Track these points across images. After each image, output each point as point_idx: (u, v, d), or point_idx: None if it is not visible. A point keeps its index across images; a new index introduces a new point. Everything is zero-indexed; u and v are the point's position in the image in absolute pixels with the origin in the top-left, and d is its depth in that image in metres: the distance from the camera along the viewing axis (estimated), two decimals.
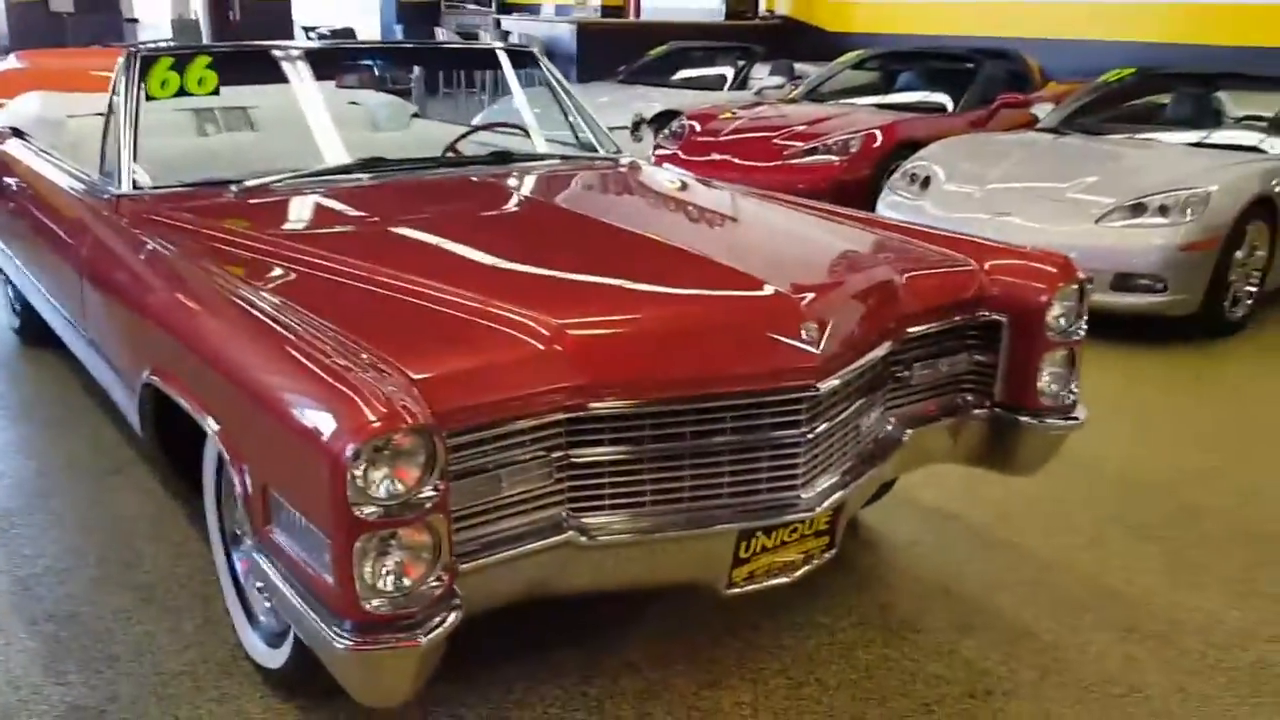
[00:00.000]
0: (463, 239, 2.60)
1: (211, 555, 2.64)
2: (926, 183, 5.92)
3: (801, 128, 7.47)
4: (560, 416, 1.99)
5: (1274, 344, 5.35)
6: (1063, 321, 2.63)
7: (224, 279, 2.34)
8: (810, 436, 2.19)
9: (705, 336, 2.13)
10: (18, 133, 4.33)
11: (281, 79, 3.44)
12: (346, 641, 1.77)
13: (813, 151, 7.23)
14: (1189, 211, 5.04)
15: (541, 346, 2.01)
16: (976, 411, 2.71)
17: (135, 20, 15.76)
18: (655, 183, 3.44)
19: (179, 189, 3.04)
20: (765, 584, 2.28)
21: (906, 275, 2.53)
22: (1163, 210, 5.09)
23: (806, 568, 2.32)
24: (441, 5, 18.47)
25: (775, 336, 2.14)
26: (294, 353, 1.90)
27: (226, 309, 2.18)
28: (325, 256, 2.42)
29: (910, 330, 2.51)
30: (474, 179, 3.27)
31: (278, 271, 2.39)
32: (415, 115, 5.17)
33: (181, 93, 3.25)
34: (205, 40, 13.69)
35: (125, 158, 3.06)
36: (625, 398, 2.04)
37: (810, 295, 2.22)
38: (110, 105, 3.22)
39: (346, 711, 2.33)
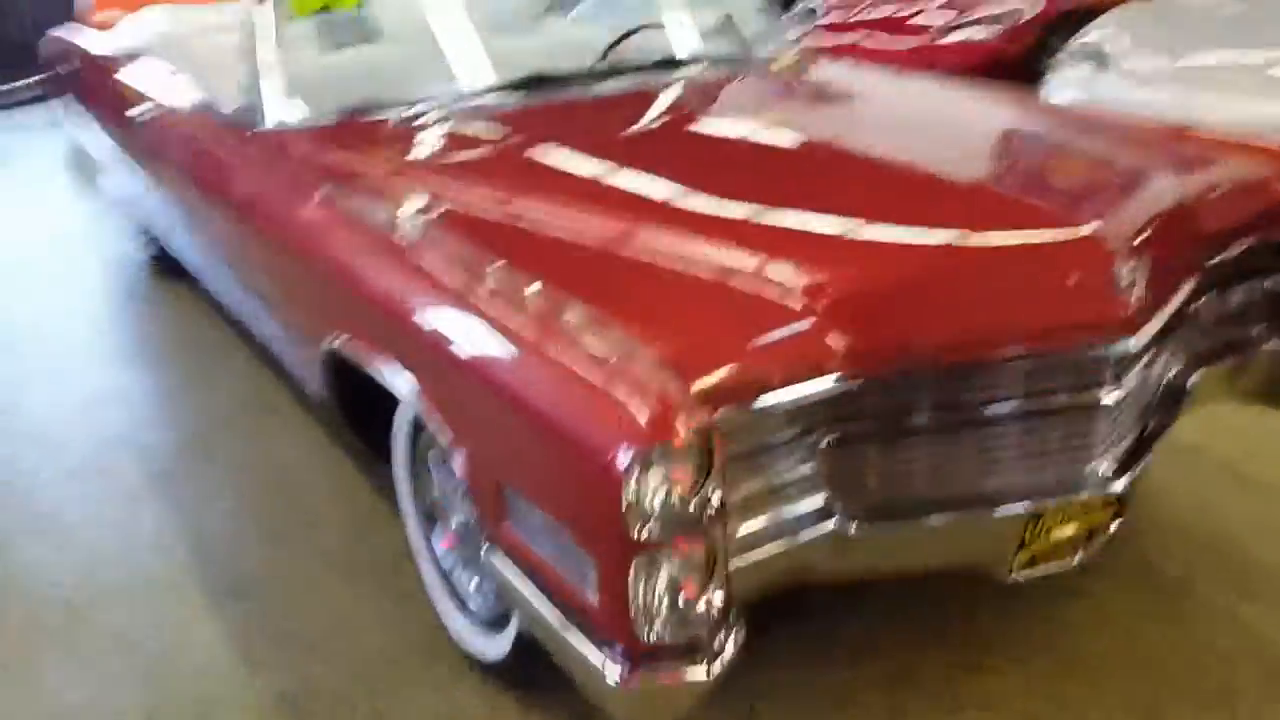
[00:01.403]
0: (674, 176, 2.24)
1: (399, 528, 2.43)
2: (1104, 60, 5.32)
3: (943, 1, 6.84)
4: (824, 391, 1.67)
5: None
6: None
7: (428, 241, 2.03)
8: (1117, 399, 1.84)
9: (991, 287, 1.78)
10: (143, 53, 4.07)
11: None
12: (618, 673, 1.51)
13: (961, 26, 6.61)
14: None
15: (800, 312, 1.69)
16: (1270, 344, 2.32)
17: None
18: (858, 85, 3.01)
19: (328, 122, 2.72)
20: (1050, 568, 1.97)
21: (1202, 192, 2.12)
22: None
23: (1091, 545, 2.00)
24: None
25: (1079, 283, 1.77)
26: (544, 343, 1.60)
27: (444, 282, 1.87)
28: (530, 206, 2.11)
29: (1209, 261, 2.11)
30: (657, 95, 2.88)
31: (485, 229, 2.07)
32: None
33: (325, 9, 2.93)
34: None
35: (267, 88, 2.77)
36: (898, 365, 1.71)
37: (1114, 229, 1.84)
38: (243, 25, 2.91)
39: (570, 708, 2.11)
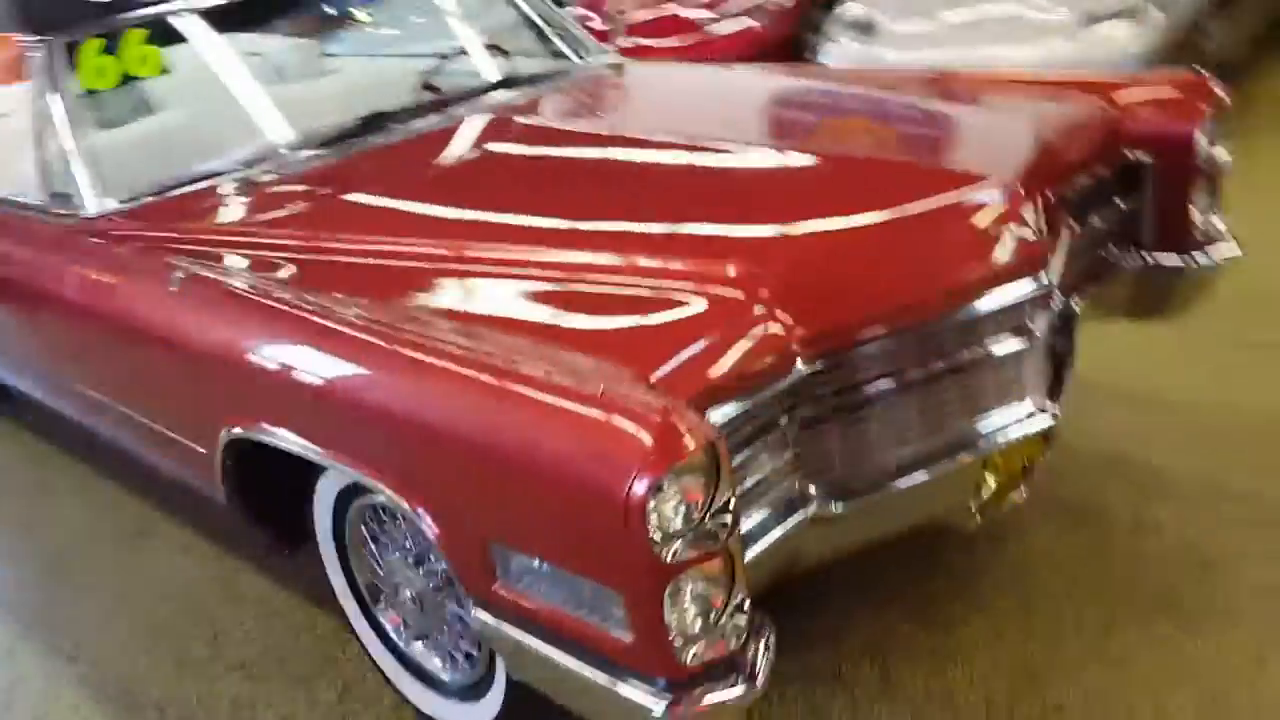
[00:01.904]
0: (565, 195, 2.18)
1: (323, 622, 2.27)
2: (871, 28, 5.61)
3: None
4: (792, 379, 1.67)
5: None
6: (1210, 147, 2.40)
7: (327, 300, 1.89)
8: (1041, 335, 1.92)
9: (923, 249, 1.82)
10: None
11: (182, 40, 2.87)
12: (665, 704, 1.45)
13: (726, 17, 6.82)
14: (1153, 7, 4.87)
15: (747, 307, 1.68)
16: (1127, 264, 2.48)
17: None
18: (688, 82, 3.03)
19: (153, 199, 2.51)
20: (1004, 505, 2.03)
21: (1059, 132, 2.24)
22: (1128, 12, 4.91)
23: (1030, 479, 2.08)
24: None
25: (992, 231, 1.84)
26: (512, 387, 1.50)
27: (368, 342, 1.74)
28: (426, 248, 2.01)
29: (1070, 192, 2.23)
30: (508, 119, 2.80)
31: (383, 279, 1.96)
32: (326, 54, 4.57)
33: (127, 79, 2.71)
34: None
35: (82, 172, 2.53)
36: (848, 341, 1.72)
37: (1006, 175, 1.92)
38: (36, 110, 2.65)
39: None
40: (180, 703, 2.38)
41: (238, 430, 2.00)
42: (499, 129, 2.75)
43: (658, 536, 1.36)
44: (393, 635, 2.20)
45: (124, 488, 3.32)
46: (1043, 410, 1.96)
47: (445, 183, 2.41)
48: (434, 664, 2.13)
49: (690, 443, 1.35)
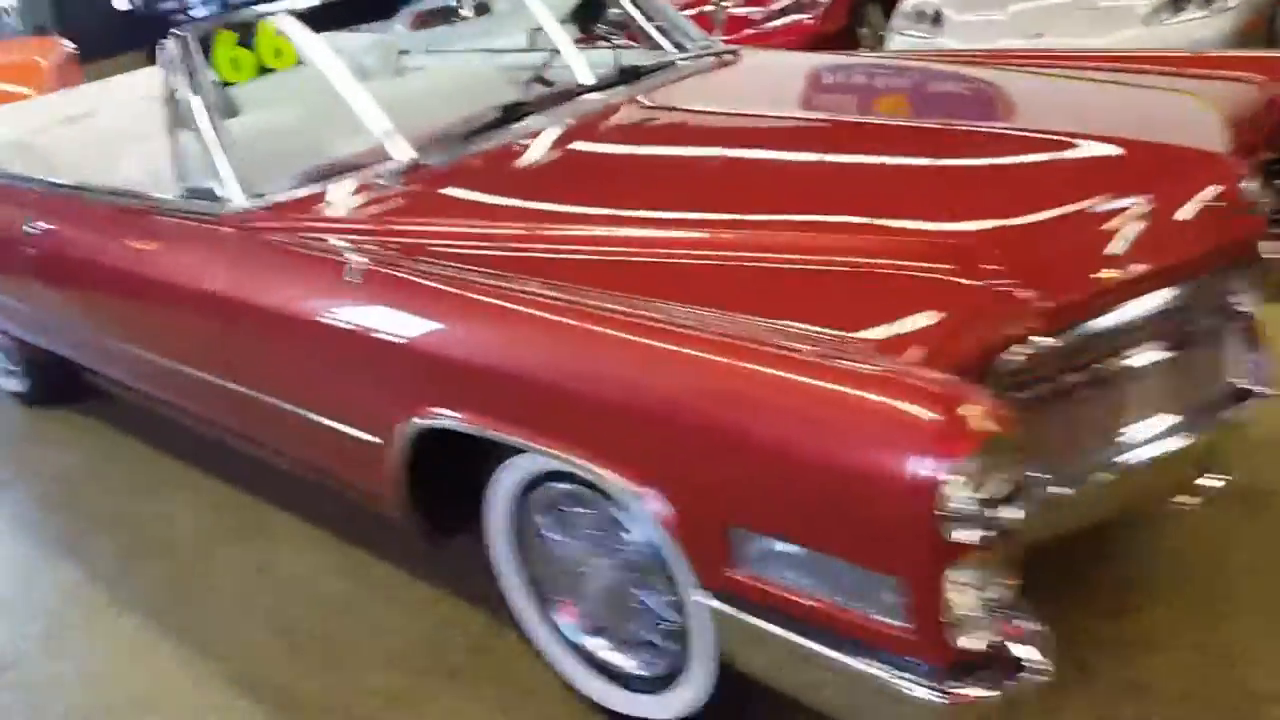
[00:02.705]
0: (763, 175, 2.16)
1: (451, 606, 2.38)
2: (938, 18, 5.59)
3: None
4: (1019, 357, 1.64)
5: None
6: None
7: (536, 286, 1.86)
8: (1251, 312, 1.89)
9: (1150, 224, 1.78)
10: None
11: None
12: (940, 690, 1.42)
13: (782, 13, 6.81)
14: None
15: (983, 283, 1.65)
16: None
17: None
18: (855, 68, 2.98)
19: (304, 192, 2.49)
20: (1208, 492, 2.00)
21: (1241, 110, 2.21)
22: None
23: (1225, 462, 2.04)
24: None
25: (1221, 205, 1.81)
26: (779, 370, 1.47)
27: (591, 322, 1.71)
28: (622, 232, 1.98)
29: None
30: (663, 103, 2.76)
31: (584, 264, 1.93)
32: (402, 52, 4.55)
33: (263, 70, 2.68)
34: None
35: (226, 167, 2.50)
36: (1083, 315, 1.69)
37: (1228, 152, 1.89)
38: (172, 104, 2.63)
39: None
40: (336, 698, 2.35)
41: (426, 419, 1.96)
42: (658, 114, 2.72)
43: (948, 521, 1.32)
44: (566, 629, 2.17)
45: (232, 487, 3.29)
46: (1259, 387, 1.93)
47: (625, 168, 2.38)
48: (614, 657, 2.10)
49: (989, 425, 1.32)
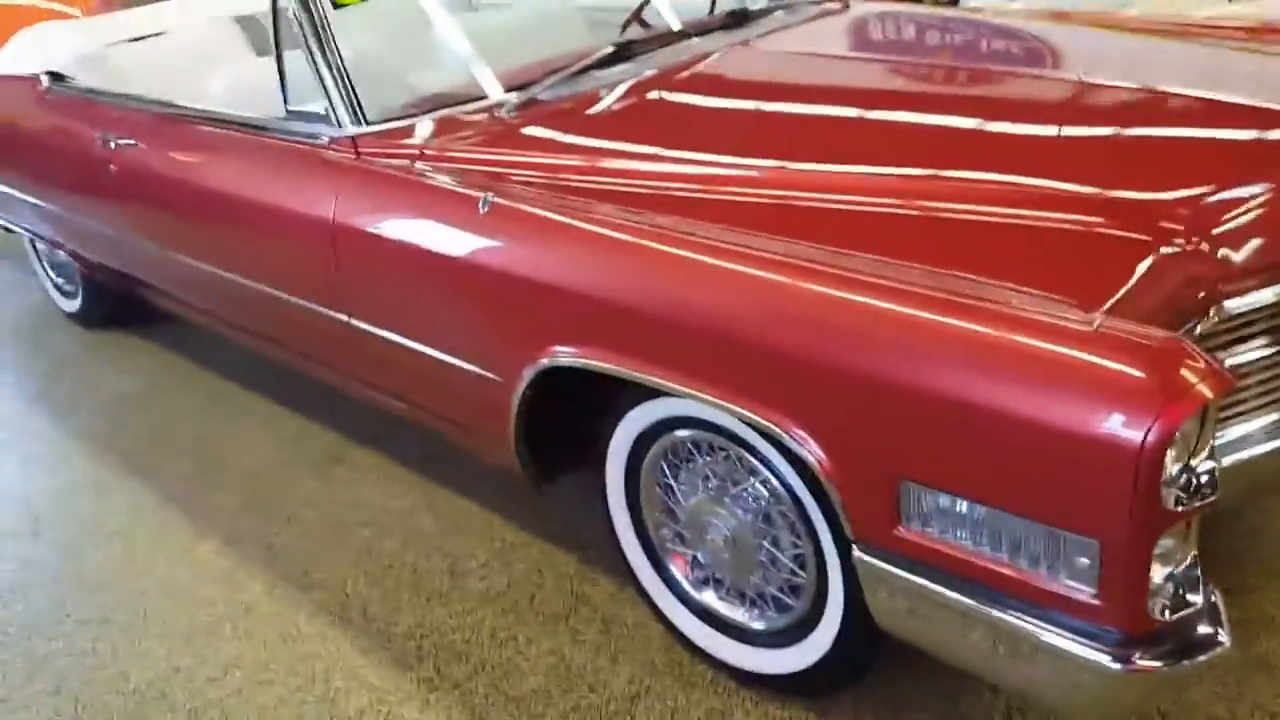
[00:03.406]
0: (908, 124, 2.11)
1: (542, 550, 2.41)
2: None
3: None
4: (1210, 320, 1.60)
5: None
6: None
7: (689, 226, 1.82)
8: None
9: None
10: (57, 76, 3.55)
11: None
12: (1117, 659, 1.39)
13: None
14: None
15: (1183, 240, 1.60)
16: None
17: None
18: (978, 25, 2.90)
19: (415, 119, 2.42)
20: None
21: None
22: None
23: None
24: None
25: None
26: (974, 323, 1.43)
27: (757, 267, 1.66)
28: (772, 173, 1.93)
29: None
30: (805, 51, 2.70)
31: (739, 206, 1.88)
32: None
33: None
34: None
35: (338, 88, 2.43)
36: (1267, 283, 1.65)
37: None
38: (278, 24, 2.55)
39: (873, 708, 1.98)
40: (436, 632, 2.32)
41: (561, 358, 1.92)
42: (779, 58, 2.66)
43: (1164, 487, 1.29)
44: (681, 580, 2.14)
45: (305, 418, 3.26)
46: None
47: (754, 112, 2.32)
48: (727, 609, 2.07)
49: (1211, 388, 1.28)
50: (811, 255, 1.65)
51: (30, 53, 3.79)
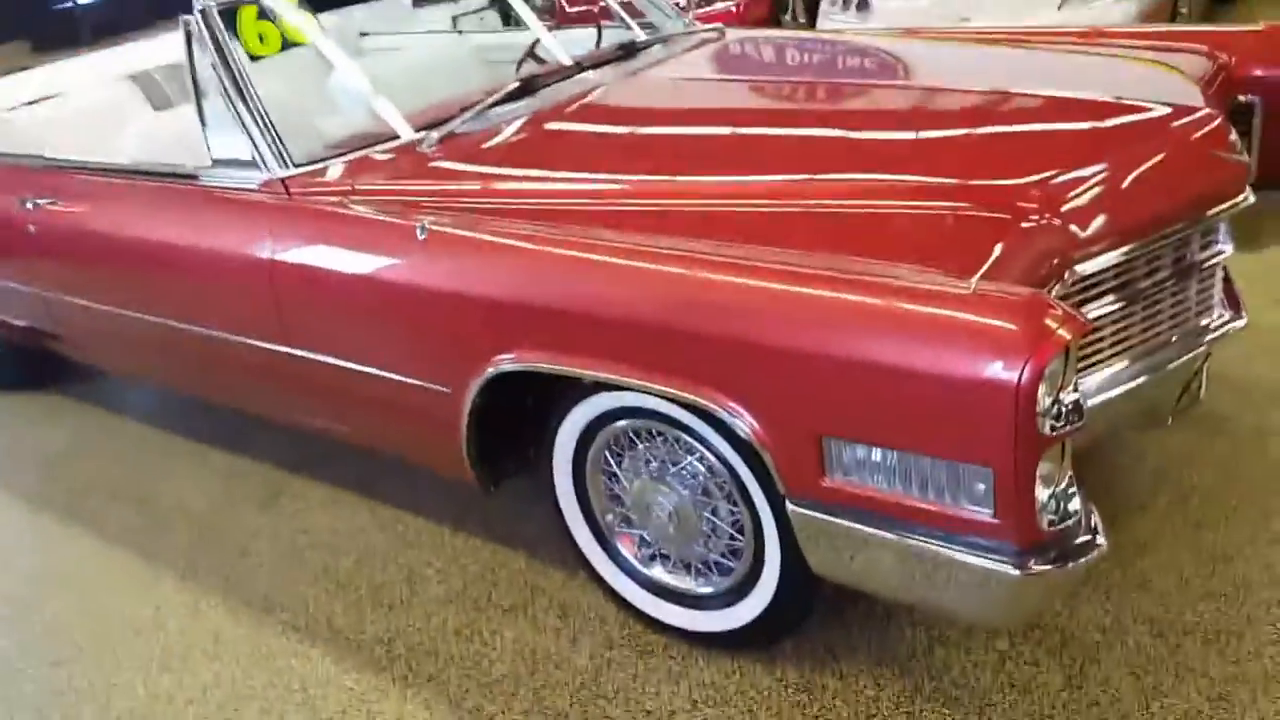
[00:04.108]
0: (806, 130, 2.41)
1: (492, 551, 2.58)
2: (864, 3, 5.90)
3: None
4: (1064, 283, 1.89)
5: None
6: None
7: (609, 235, 2.04)
8: (1228, 250, 2.18)
9: (1160, 169, 2.05)
10: None
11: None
12: (1024, 567, 1.65)
13: (709, 1, 7.05)
14: None
15: (1036, 217, 1.89)
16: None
17: None
18: (841, 44, 3.21)
19: (342, 158, 2.60)
20: (1186, 409, 2.29)
21: (1202, 75, 2.51)
22: None
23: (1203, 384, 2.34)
24: None
25: (1215, 153, 2.09)
26: (866, 293, 1.69)
27: (669, 263, 1.90)
28: (675, 183, 2.18)
29: None
30: (690, 76, 2.97)
31: (649, 214, 2.12)
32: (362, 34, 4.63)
33: (285, 45, 2.77)
34: None
35: (264, 135, 2.59)
36: (1111, 248, 1.95)
37: (1213, 108, 2.18)
38: (197, 79, 2.70)
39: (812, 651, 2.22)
40: (403, 635, 2.48)
41: (505, 364, 2.11)
42: (670, 84, 2.91)
43: (1039, 417, 1.56)
44: (630, 559, 2.35)
45: (240, 456, 3.37)
46: (1238, 321, 2.22)
47: (649, 134, 2.57)
48: (675, 579, 2.29)
49: (1070, 331, 1.55)
50: (718, 250, 1.89)
51: None
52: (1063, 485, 1.69)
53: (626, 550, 2.36)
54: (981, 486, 1.64)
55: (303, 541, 2.90)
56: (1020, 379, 1.53)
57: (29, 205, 3.16)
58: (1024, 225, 1.89)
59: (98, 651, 2.59)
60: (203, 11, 2.69)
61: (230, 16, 2.70)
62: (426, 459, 2.58)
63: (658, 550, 2.31)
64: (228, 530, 3.00)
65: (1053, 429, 1.58)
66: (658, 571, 2.32)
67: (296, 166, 2.57)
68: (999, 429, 1.58)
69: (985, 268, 1.77)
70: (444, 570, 2.69)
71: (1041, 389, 1.55)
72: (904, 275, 1.72)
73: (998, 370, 1.54)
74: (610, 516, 2.36)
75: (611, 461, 2.28)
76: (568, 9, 7.20)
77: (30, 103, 3.94)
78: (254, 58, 2.71)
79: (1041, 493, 1.64)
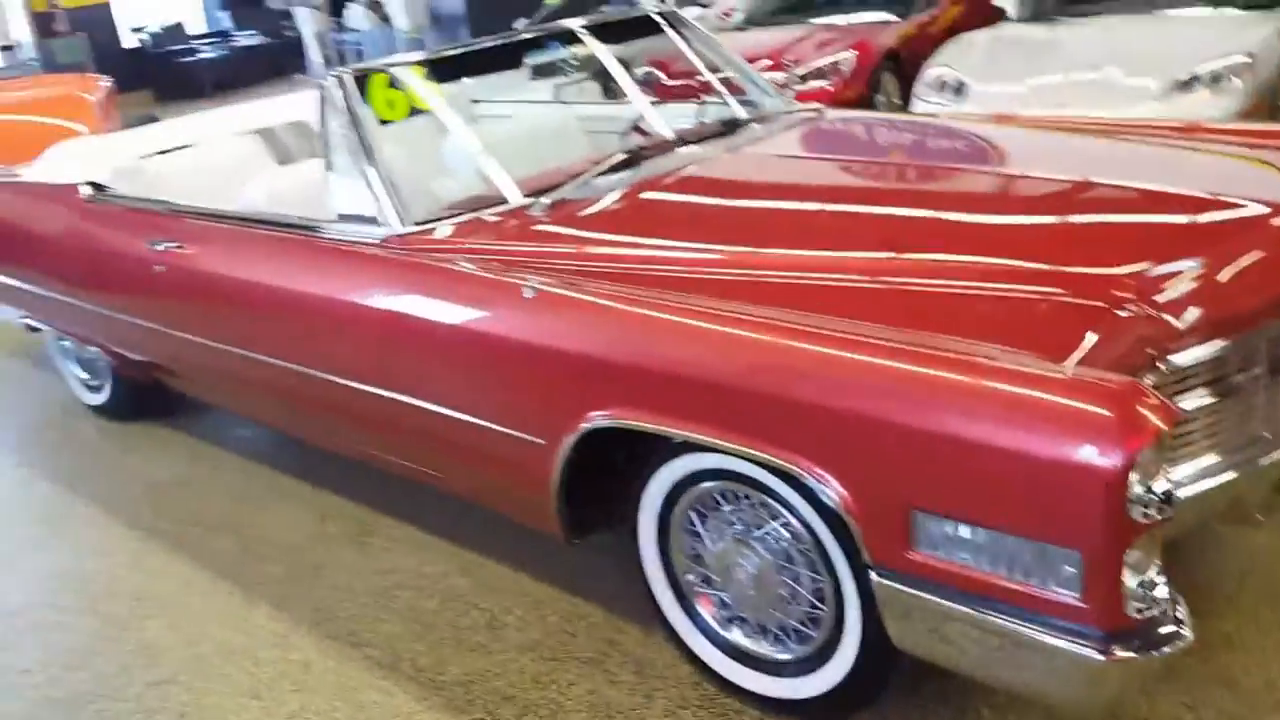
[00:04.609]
0: (908, 211, 2.50)
1: (570, 603, 2.63)
2: (960, 88, 5.97)
3: (769, 59, 7.40)
4: (1159, 373, 1.92)
5: None
6: None
7: (712, 302, 2.13)
8: None
9: (1257, 265, 2.09)
10: (97, 186, 3.84)
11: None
12: (1106, 652, 1.67)
13: (804, 79, 7.19)
14: (1238, 77, 5.26)
15: (1132, 306, 1.93)
16: None
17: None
18: (939, 128, 3.30)
19: (461, 215, 2.75)
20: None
21: None
22: (1214, 80, 5.30)
23: None
24: None
25: None
26: (958, 366, 1.75)
27: (770, 332, 1.98)
28: (775, 257, 2.28)
29: None
30: (790, 154, 3.09)
31: (751, 284, 2.21)
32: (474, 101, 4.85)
33: (414, 112, 2.94)
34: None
35: (388, 194, 2.75)
36: (1206, 341, 1.98)
37: None
38: (328, 138, 2.88)
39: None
40: (482, 679, 2.54)
41: (601, 420, 2.20)
42: (774, 160, 3.03)
43: (1131, 504, 1.59)
44: (709, 620, 2.40)
45: (335, 495, 3.49)
46: None
47: (753, 209, 2.69)
48: (754, 644, 2.32)
49: (1165, 421, 1.59)
50: (814, 320, 1.97)
51: (64, 165, 4.08)
52: (1151, 573, 1.70)
53: (706, 611, 2.40)
54: (1069, 569, 1.67)
55: (390, 581, 3.00)
56: (1114, 465, 1.57)
57: (157, 247, 3.36)
58: (1119, 314, 1.93)
59: (191, 675, 2.70)
60: (339, 77, 2.88)
61: (363, 83, 2.89)
62: (513, 507, 2.67)
63: (737, 613, 2.35)
64: (320, 565, 3.11)
65: (1144, 516, 1.61)
66: (736, 634, 2.36)
67: (415, 224, 2.72)
68: (1090, 513, 1.61)
69: (1080, 354, 1.81)
70: (524, 618, 2.76)
71: (1134, 476, 1.58)
72: (1001, 355, 1.77)
73: (1092, 455, 1.58)
74: (691, 576, 2.41)
75: (696, 521, 2.34)
76: (666, 82, 7.43)
77: (162, 152, 4.19)
78: (382, 122, 2.89)
79: (1129, 579, 1.66)
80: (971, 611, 1.80)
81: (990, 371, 1.72)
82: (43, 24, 13.57)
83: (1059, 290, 2.00)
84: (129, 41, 15.44)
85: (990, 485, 1.71)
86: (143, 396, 4.19)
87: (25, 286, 4.16)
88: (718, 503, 2.28)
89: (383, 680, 2.59)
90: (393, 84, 2.94)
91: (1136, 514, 1.61)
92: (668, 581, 2.44)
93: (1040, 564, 1.70)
